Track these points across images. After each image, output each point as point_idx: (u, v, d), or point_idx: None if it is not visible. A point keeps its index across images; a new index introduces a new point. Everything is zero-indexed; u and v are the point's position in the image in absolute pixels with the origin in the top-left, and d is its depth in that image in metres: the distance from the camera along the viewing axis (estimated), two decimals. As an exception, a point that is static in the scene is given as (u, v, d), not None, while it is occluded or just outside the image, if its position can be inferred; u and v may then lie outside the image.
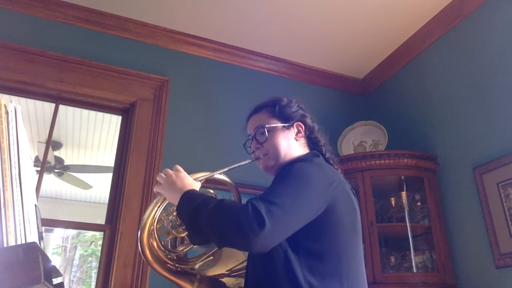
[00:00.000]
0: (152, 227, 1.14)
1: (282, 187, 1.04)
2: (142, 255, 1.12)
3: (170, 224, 1.19)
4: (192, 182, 1.16)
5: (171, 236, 1.20)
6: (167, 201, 1.16)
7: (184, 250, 1.18)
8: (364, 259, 2.26)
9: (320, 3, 2.56)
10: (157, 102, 2.60)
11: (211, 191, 1.26)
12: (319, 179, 1.09)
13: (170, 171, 1.17)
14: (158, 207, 1.16)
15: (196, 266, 1.22)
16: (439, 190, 2.47)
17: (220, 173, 1.25)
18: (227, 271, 1.24)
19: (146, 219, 1.13)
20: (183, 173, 1.17)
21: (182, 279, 1.15)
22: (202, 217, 1.00)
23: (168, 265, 1.15)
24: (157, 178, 1.18)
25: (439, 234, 2.33)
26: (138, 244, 1.13)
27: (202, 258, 1.22)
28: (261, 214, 0.93)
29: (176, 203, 1.10)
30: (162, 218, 1.19)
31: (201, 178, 1.20)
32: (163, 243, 1.18)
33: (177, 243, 1.22)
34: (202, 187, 1.21)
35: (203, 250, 1.23)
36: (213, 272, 1.24)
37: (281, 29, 2.80)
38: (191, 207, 1.04)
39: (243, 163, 1.27)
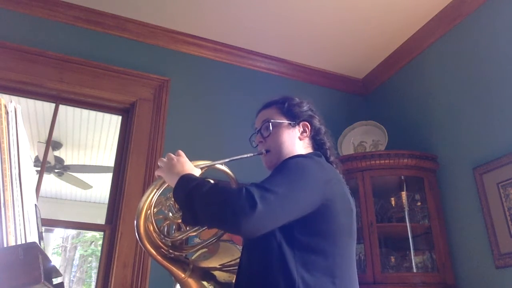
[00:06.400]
0: (149, 210, 1.14)
1: (279, 177, 1.04)
2: (137, 238, 1.12)
3: (168, 208, 1.19)
4: (192, 167, 1.16)
5: (167, 222, 1.20)
6: (165, 185, 1.16)
7: (179, 237, 1.18)
8: (364, 259, 2.28)
9: (320, 3, 2.56)
10: (157, 102, 2.60)
11: (211, 181, 1.27)
12: (317, 175, 1.09)
13: (172, 155, 1.18)
14: (157, 189, 1.16)
15: (191, 256, 1.22)
16: (439, 190, 2.47)
17: (221, 163, 1.26)
18: (220, 265, 1.25)
19: (144, 201, 1.13)
20: (184, 158, 1.18)
21: (175, 265, 1.16)
22: (196, 197, 1.01)
23: (163, 250, 1.15)
24: (159, 163, 1.19)
25: (439, 234, 2.33)
26: (136, 233, 1.13)
27: (197, 248, 1.22)
28: (254, 198, 0.93)
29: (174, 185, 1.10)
30: (161, 202, 1.19)
31: (202, 166, 1.21)
32: (159, 227, 1.18)
33: (173, 230, 1.23)
34: None
35: (199, 240, 1.23)
36: (206, 264, 1.24)
37: (281, 29, 2.79)
38: (187, 188, 1.04)
39: (245, 155, 1.28)
